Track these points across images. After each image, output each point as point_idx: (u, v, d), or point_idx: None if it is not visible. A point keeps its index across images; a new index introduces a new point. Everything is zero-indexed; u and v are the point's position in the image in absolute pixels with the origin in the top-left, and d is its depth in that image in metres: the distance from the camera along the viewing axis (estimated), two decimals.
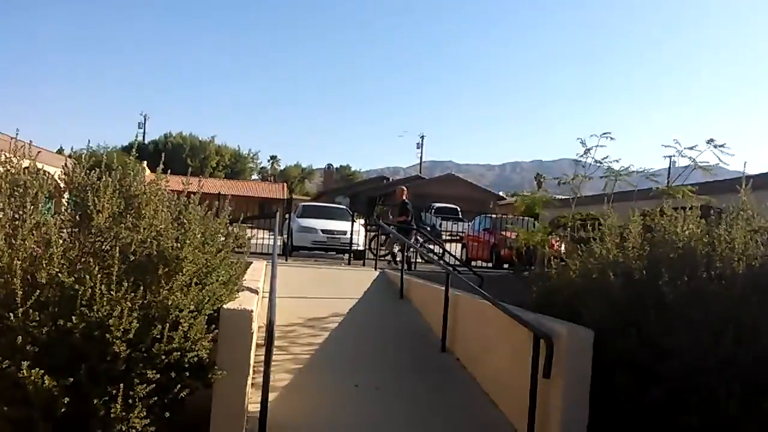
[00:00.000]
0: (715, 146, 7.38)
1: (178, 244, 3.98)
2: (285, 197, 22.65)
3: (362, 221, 17.35)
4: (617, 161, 7.67)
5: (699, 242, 4.72)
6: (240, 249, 5.26)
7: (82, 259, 3.98)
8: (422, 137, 70.80)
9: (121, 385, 3.56)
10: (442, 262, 9.84)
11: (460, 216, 31.80)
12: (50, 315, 3.53)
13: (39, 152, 4.47)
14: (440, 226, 31.36)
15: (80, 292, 3.54)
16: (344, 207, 18.99)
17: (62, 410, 3.51)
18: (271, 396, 5.21)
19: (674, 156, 7.66)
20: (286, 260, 13.85)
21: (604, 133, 7.46)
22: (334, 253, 15.68)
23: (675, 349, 4.15)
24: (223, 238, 4.70)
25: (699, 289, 4.36)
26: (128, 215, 4.30)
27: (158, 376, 3.74)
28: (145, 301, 3.82)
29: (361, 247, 15.18)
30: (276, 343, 6.75)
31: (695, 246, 4.69)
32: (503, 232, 15.32)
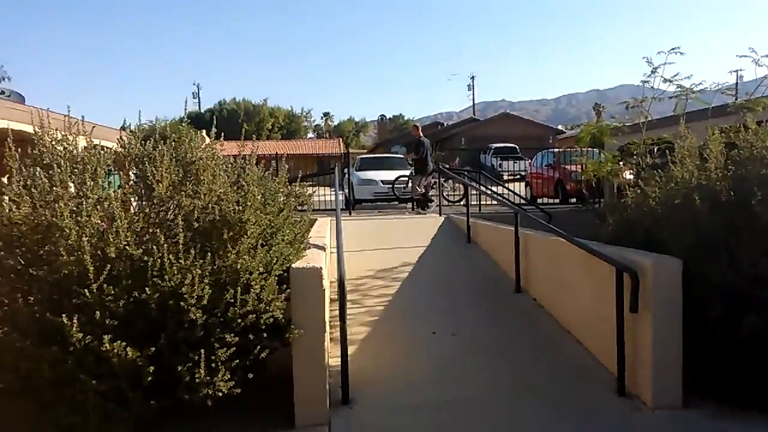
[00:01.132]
0: None
1: (240, 207, 3.92)
2: (342, 152, 22.56)
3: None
4: (689, 78, 7.09)
5: None
6: (302, 207, 5.17)
7: (149, 230, 3.98)
8: (472, 78, 69.21)
9: (202, 350, 3.59)
10: (508, 201, 9.52)
11: (519, 154, 31.07)
12: (124, 288, 3.55)
13: (93, 127, 4.47)
14: (500, 166, 30.87)
15: (150, 263, 3.54)
16: (401, 156, 18.72)
17: (149, 379, 3.57)
18: (350, 349, 5.20)
19: (741, 70, 7.04)
20: (350, 214, 13.86)
21: (673, 49, 6.88)
22: (397, 202, 15.55)
23: None
24: (283, 198, 4.61)
25: None
26: (188, 182, 4.27)
27: (237, 339, 3.76)
28: (215, 267, 3.81)
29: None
30: (349, 297, 6.77)
31: None
32: (567, 166, 14.81)
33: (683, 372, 4.15)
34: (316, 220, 9.09)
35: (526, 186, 18.71)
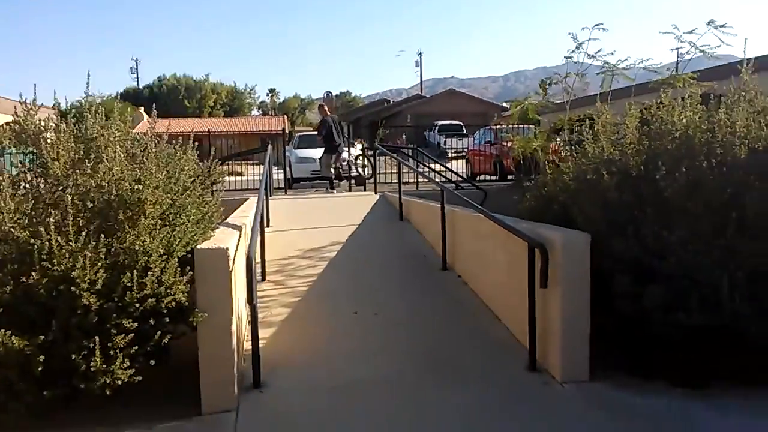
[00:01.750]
0: (715, 27, 6.88)
1: (139, 186, 3.75)
2: (286, 130, 22.22)
3: (360, 146, 17.01)
4: (611, 54, 7.17)
5: (697, 130, 4.40)
6: (214, 186, 5.01)
7: (43, 211, 3.77)
8: (420, 54, 69.45)
9: (97, 338, 3.43)
10: (433, 179, 9.53)
11: (464, 132, 31.26)
12: (10, 272, 3.35)
13: None
14: (444, 144, 30.98)
15: (37, 246, 3.35)
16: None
17: (39, 368, 3.40)
18: (269, 331, 5.16)
19: (678, 46, 7.16)
20: (286, 193, 13.68)
21: (597, 25, 6.95)
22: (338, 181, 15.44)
23: (674, 245, 3.93)
24: (190, 177, 4.44)
25: (698, 179, 4.08)
26: (87, 161, 4.06)
27: (136, 324, 3.61)
28: (112, 250, 3.64)
29: (360, 172, 14.92)
30: (273, 277, 6.71)
31: (694, 134, 4.38)
32: (505, 143, 14.97)
33: (591, 346, 4.22)
34: (247, 199, 8.94)
35: (466, 163, 18.87)
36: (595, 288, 4.22)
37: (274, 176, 14.54)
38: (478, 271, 6.09)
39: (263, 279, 6.54)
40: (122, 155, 3.97)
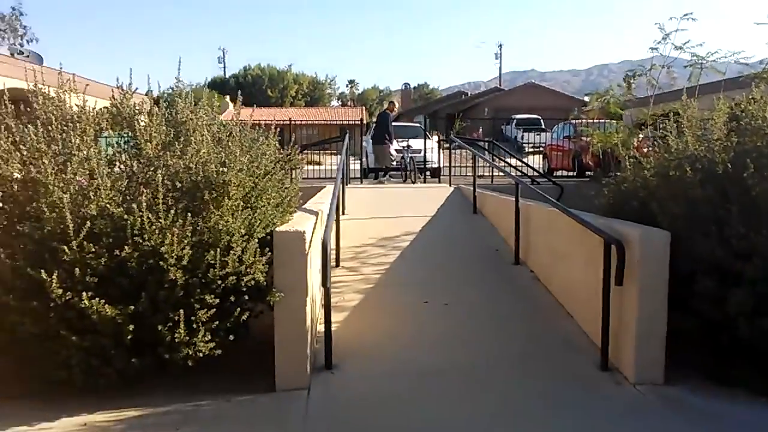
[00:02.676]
0: None
1: (223, 169, 3.93)
2: (362, 120, 22.40)
3: (437, 138, 17.01)
4: (700, 45, 6.86)
5: None
6: (293, 172, 5.18)
7: (135, 190, 4.02)
8: (500, 46, 68.33)
9: (181, 311, 3.64)
10: (509, 173, 9.43)
11: (543, 126, 30.62)
12: (104, 246, 3.60)
13: (87, 85, 4.50)
14: (522, 138, 30.48)
15: (129, 222, 3.59)
16: (417, 124, 18.58)
17: (129, 337, 3.65)
18: (341, 316, 5.29)
19: None
20: (362, 182, 13.87)
21: (685, 15, 6.67)
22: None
23: (761, 247, 3.77)
24: (271, 162, 4.61)
25: None
26: (177, 144, 4.29)
27: (217, 300, 3.80)
28: (197, 228, 3.84)
29: (435, 165, 14.94)
30: (346, 264, 6.85)
31: None
32: (585, 138, 14.59)
33: (666, 348, 4.10)
34: (324, 187, 9.14)
35: (543, 158, 18.52)
36: (674, 288, 4.09)
37: (351, 166, 14.79)
38: (551, 266, 6.01)
39: (337, 265, 6.68)
40: (209, 139, 4.17)
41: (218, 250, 3.71)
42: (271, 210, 4.29)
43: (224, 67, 72.55)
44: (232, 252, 3.78)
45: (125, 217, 3.60)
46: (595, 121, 13.27)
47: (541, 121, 33.39)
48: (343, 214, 9.14)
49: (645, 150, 7.61)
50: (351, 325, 5.18)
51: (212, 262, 3.73)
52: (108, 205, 3.64)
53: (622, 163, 5.94)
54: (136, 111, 4.35)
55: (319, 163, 15.93)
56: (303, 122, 24.08)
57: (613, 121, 10.97)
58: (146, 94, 4.83)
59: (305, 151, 16.26)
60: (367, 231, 8.08)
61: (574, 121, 16.34)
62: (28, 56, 15.21)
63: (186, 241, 3.67)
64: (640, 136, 8.07)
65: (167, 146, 4.29)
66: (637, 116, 8.54)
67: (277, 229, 4.09)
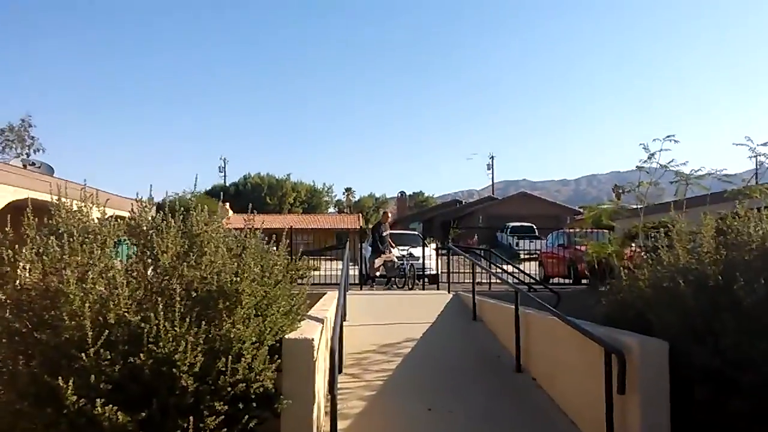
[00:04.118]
0: None
1: (237, 279, 4.11)
2: (360, 227, 22.79)
3: (434, 246, 17.32)
4: (684, 164, 7.30)
5: None
6: (301, 280, 5.35)
7: (150, 298, 4.17)
8: (492, 158, 70.36)
9: (191, 417, 3.69)
10: (507, 281, 9.63)
11: (536, 234, 31.17)
12: (120, 353, 3.70)
13: (108, 199, 4.76)
14: (516, 245, 30.95)
15: (146, 330, 3.71)
16: (415, 232, 18.97)
17: None
18: (345, 423, 5.27)
19: (754, 156, 7.21)
20: (361, 288, 14.00)
21: (668, 136, 7.15)
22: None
23: (756, 357, 3.89)
24: (281, 270, 4.79)
25: None
26: (191, 254, 4.48)
27: (226, 407, 3.85)
28: (210, 335, 3.96)
29: (433, 271, 15.15)
30: (349, 370, 6.87)
31: None
32: (579, 247, 14.90)
33: None
34: (326, 293, 9.27)
35: (539, 265, 18.76)
36: (677, 395, 4.17)
37: (350, 272, 14.97)
38: (553, 374, 6.06)
39: (340, 371, 6.70)
40: (224, 250, 4.37)
41: (229, 357, 3.80)
42: (281, 318, 4.42)
43: (224, 176, 74.48)
44: (243, 359, 3.87)
45: (142, 324, 3.73)
46: (587, 231, 13.68)
47: (535, 228, 34.02)
48: (345, 320, 9.22)
49: (637, 260, 7.86)
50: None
51: (223, 369, 3.82)
52: (126, 314, 3.77)
53: (616, 272, 6.14)
54: (154, 224, 4.57)
55: (317, 269, 16.09)
56: (302, 229, 24.50)
57: (604, 231, 11.33)
58: (149, 201, 5.05)
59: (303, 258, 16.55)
60: (369, 337, 8.13)
61: (568, 230, 16.74)
62: (39, 167, 15.75)
63: (199, 349, 3.77)
64: (633, 246, 8.35)
65: (182, 257, 4.48)
66: (627, 228, 8.86)
67: (287, 336, 4.21)
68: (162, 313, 3.75)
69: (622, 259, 7.74)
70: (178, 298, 3.86)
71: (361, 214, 57.18)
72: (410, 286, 14.02)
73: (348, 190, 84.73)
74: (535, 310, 6.91)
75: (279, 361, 4.09)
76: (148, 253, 4.54)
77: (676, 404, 4.18)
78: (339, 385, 6.23)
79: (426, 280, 15.28)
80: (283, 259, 4.97)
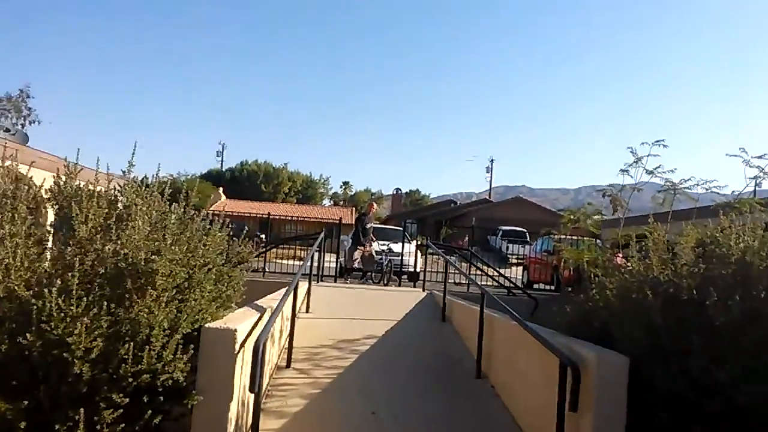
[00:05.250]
0: None
1: (154, 257, 3.68)
2: (344, 221, 22.08)
3: (417, 242, 16.92)
4: (672, 171, 6.86)
5: (756, 257, 4.01)
6: (241, 265, 4.93)
7: (61, 273, 3.74)
8: (491, 161, 70.19)
9: (82, 410, 3.27)
10: (490, 282, 9.24)
11: (527, 239, 30.80)
12: (7, 330, 3.29)
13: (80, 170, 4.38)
14: (507, 249, 30.54)
15: (37, 307, 3.29)
16: (399, 228, 18.54)
17: None
18: (278, 423, 4.89)
19: (749, 171, 6.76)
20: (335, 281, 13.60)
21: (657, 141, 6.72)
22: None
23: (724, 382, 3.48)
24: (218, 253, 4.37)
25: (756, 311, 3.67)
26: (116, 228, 4.06)
27: (127, 400, 3.44)
28: (119, 318, 3.54)
29: (412, 268, 14.77)
30: (299, 365, 6.46)
31: (752, 261, 3.99)
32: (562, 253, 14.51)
33: None
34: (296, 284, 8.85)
35: (524, 270, 18.39)
36: (633, 421, 3.76)
37: (331, 264, 14.58)
38: (511, 383, 5.65)
39: (288, 366, 6.30)
40: (143, 224, 3.94)
41: (131, 344, 3.38)
42: (205, 303, 4.00)
43: (222, 161, 73.96)
44: (149, 347, 3.46)
45: (32, 301, 3.30)
46: (570, 237, 13.26)
47: (527, 234, 33.67)
48: (307, 312, 8.83)
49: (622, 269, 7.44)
50: None
51: (125, 356, 3.40)
52: (16, 287, 3.35)
53: (584, 280, 5.74)
54: (75, 192, 4.15)
55: (301, 259, 15.69)
56: (285, 218, 24.08)
57: (586, 238, 10.93)
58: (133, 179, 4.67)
59: (290, 246, 16.14)
60: (328, 331, 7.73)
61: (554, 236, 16.33)
62: (14, 134, 15.31)
63: (98, 332, 3.36)
64: (620, 255, 7.94)
65: (105, 230, 4.06)
66: (610, 236, 8.46)
67: (206, 325, 3.79)
68: (56, 289, 3.33)
69: (602, 268, 7.33)
70: (77, 273, 3.43)
71: (354, 208, 56.72)
72: (386, 282, 13.63)
73: (346, 183, 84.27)
74: (501, 314, 6.51)
75: (193, 351, 3.67)
76: (67, 223, 4.13)
77: (635, 426, 3.77)
78: (283, 381, 5.86)
79: (405, 277, 14.92)
80: (221, 240, 4.54)
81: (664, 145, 6.71)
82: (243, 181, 64.25)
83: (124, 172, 4.48)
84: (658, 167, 6.75)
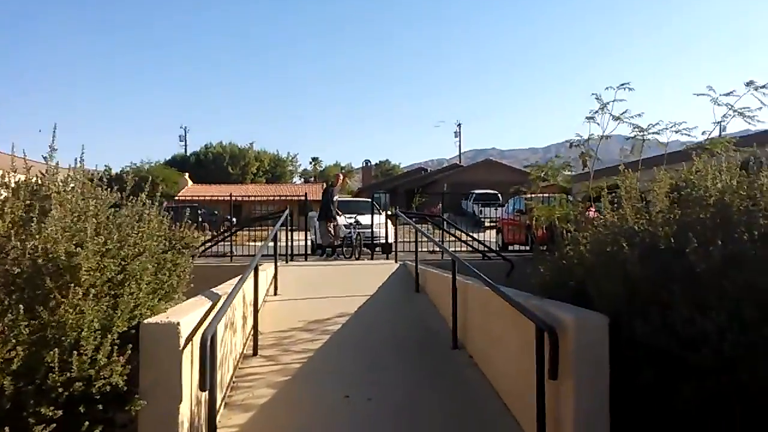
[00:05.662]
0: (756, 89, 6.28)
1: (77, 250, 3.28)
2: (309, 197, 21.56)
3: (387, 213, 16.56)
4: (639, 116, 6.57)
5: (736, 196, 3.74)
6: (186, 249, 4.54)
7: None
8: (459, 125, 70.03)
9: (7, 428, 2.89)
10: (463, 247, 8.95)
11: (501, 201, 30.67)
12: None
13: None
14: (480, 212, 30.39)
15: None
16: (367, 200, 18.12)
17: None
18: (244, 417, 4.58)
19: (717, 109, 6.51)
20: (306, 259, 13.23)
21: (622, 84, 6.40)
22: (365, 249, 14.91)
23: (709, 332, 3.23)
24: (156, 240, 3.98)
25: (738, 254, 3.40)
26: (38, 222, 3.63)
27: (60, 413, 3.06)
28: (43, 323, 3.15)
29: (383, 240, 14.45)
30: (266, 351, 6.12)
31: (731, 201, 3.72)
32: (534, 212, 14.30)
33: None
34: (260, 266, 8.46)
35: (497, 233, 18.20)
36: (617, 376, 3.51)
37: (301, 242, 14.18)
38: (489, 352, 5.39)
39: (254, 354, 5.97)
40: (69, 216, 3.53)
41: (56, 350, 3.00)
42: (143, 297, 3.61)
43: (185, 145, 72.45)
44: (77, 352, 3.07)
45: None
46: (542, 195, 13.03)
47: (499, 196, 33.54)
48: (275, 294, 8.49)
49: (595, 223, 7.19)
50: (257, 426, 4.45)
51: (51, 364, 3.02)
52: None
53: (557, 237, 5.47)
54: None
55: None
56: (254, 198, 23.54)
57: (557, 195, 10.70)
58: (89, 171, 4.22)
59: (256, 227, 15.63)
60: (298, 313, 7.40)
61: (525, 195, 16.11)
62: None
63: (15, 340, 2.96)
64: (592, 208, 7.70)
65: (27, 223, 3.63)
66: (581, 190, 8.20)
67: (145, 321, 3.42)
68: None
69: (573, 224, 7.09)
70: None
71: (325, 183, 56.11)
72: (357, 256, 13.30)
73: (315, 159, 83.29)
74: (474, 280, 6.22)
75: (131, 351, 3.29)
76: None
77: (617, 389, 3.52)
78: (249, 371, 5.53)
79: (378, 249, 14.60)
80: (158, 225, 4.14)
81: (630, 88, 6.41)
82: (209, 165, 63.03)
83: (45, 158, 4.03)
84: (625, 112, 6.45)
